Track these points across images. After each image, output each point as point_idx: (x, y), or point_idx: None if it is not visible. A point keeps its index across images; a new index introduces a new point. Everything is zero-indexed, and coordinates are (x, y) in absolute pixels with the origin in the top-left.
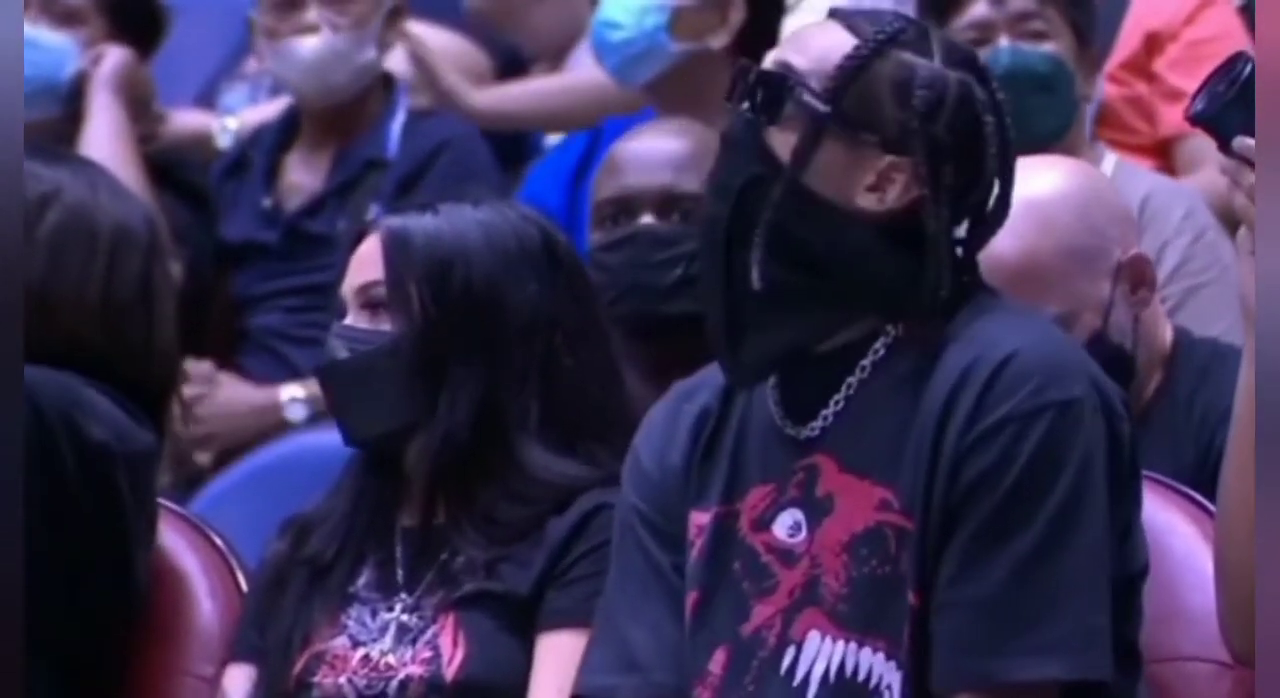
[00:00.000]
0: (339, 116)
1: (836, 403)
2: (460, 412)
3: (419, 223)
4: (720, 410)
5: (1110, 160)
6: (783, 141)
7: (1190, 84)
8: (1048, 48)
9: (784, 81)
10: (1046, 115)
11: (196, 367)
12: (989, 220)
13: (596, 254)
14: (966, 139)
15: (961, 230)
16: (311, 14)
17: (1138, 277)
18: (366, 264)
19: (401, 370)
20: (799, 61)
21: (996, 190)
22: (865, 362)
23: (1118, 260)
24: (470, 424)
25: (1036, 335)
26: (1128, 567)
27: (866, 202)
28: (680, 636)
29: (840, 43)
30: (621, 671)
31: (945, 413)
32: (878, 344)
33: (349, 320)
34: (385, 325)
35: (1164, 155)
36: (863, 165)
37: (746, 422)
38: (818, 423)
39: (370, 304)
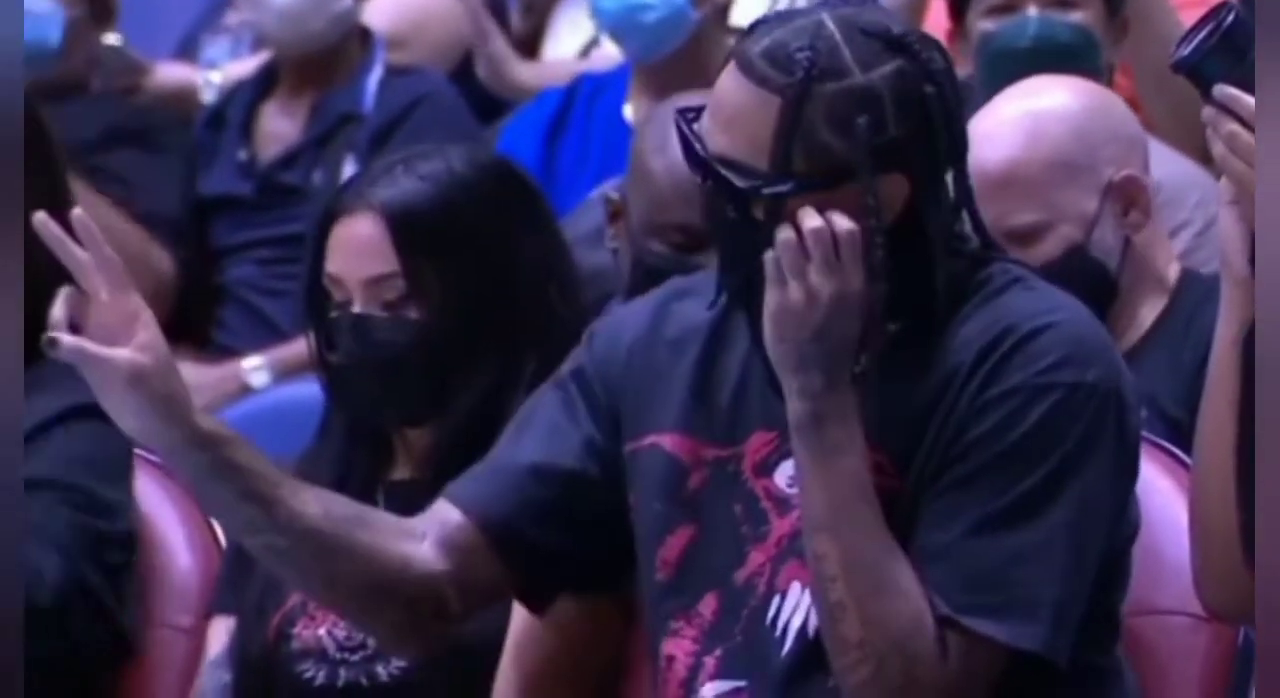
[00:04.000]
0: (315, 67)
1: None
2: (476, 394)
3: (415, 199)
4: (715, 333)
5: None
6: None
7: None
8: (1076, 17)
9: (740, 189)
10: None
11: None
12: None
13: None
14: (920, 121)
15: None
16: None
17: (1128, 198)
18: (372, 255)
19: (429, 360)
20: (734, 150)
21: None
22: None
23: (1109, 179)
24: (483, 400)
25: (1071, 313)
26: (1116, 539)
27: None
28: (534, 486)
29: (762, 106)
30: (470, 478)
31: (966, 379)
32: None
33: (359, 309)
34: (404, 314)
35: (1138, 111)
36: (848, 201)
37: (750, 369)
38: None
39: (383, 295)
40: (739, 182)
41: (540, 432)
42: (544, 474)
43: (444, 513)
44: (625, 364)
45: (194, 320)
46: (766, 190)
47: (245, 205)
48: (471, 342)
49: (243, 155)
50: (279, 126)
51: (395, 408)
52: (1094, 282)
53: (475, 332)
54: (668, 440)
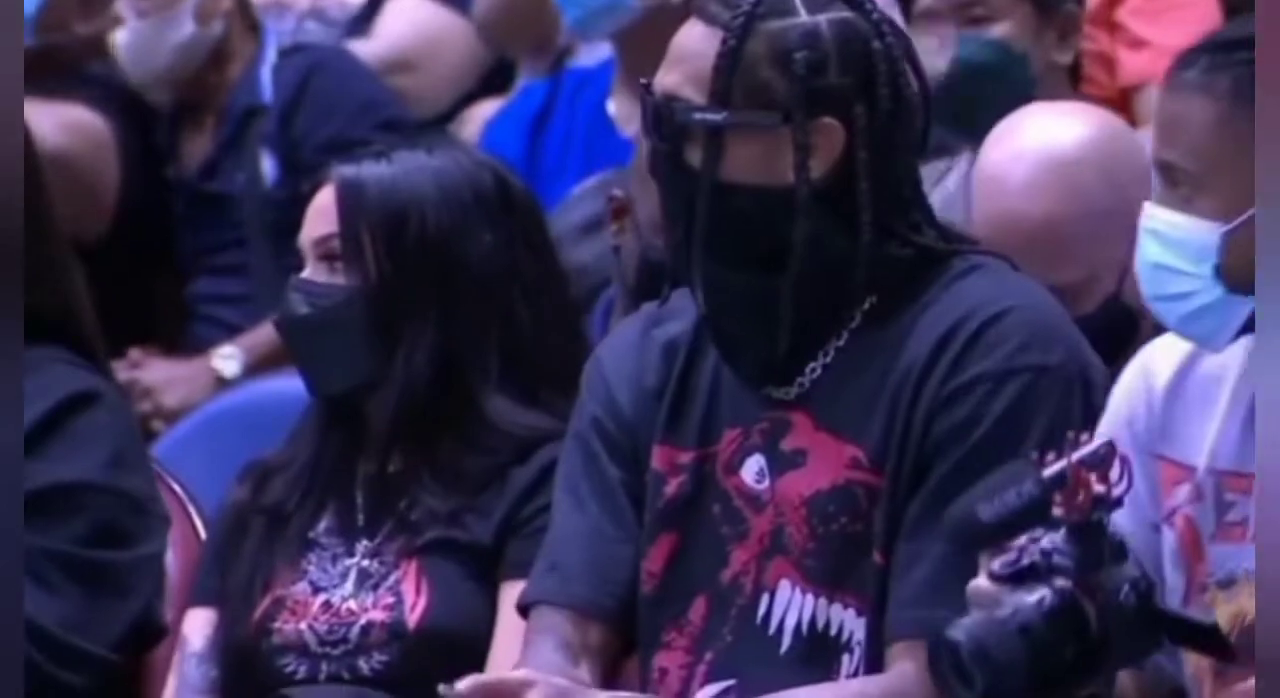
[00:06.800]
0: (200, 86)
1: (813, 371)
2: (417, 366)
3: (372, 173)
4: (692, 345)
5: None
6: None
7: (1152, 32)
8: (994, 32)
9: (673, 112)
10: (993, 104)
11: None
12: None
13: None
14: (863, 72)
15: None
16: (119, 5)
17: None
18: (322, 216)
19: (359, 325)
20: (676, 80)
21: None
22: (844, 329)
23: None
24: (428, 378)
25: (1030, 297)
26: None
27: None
28: (615, 549)
29: (707, 42)
30: (545, 571)
31: (928, 367)
32: (854, 313)
33: (307, 273)
34: (343, 279)
35: (1124, 107)
36: (781, 144)
37: (721, 370)
38: (793, 389)
39: (327, 257)
40: (676, 112)
41: (586, 495)
42: (608, 536)
43: (571, 626)
44: (631, 402)
45: (171, 340)
46: (698, 116)
47: (182, 221)
48: (402, 318)
49: (171, 173)
50: (194, 139)
51: (330, 369)
52: (1123, 327)
53: (406, 309)
54: (655, 455)
